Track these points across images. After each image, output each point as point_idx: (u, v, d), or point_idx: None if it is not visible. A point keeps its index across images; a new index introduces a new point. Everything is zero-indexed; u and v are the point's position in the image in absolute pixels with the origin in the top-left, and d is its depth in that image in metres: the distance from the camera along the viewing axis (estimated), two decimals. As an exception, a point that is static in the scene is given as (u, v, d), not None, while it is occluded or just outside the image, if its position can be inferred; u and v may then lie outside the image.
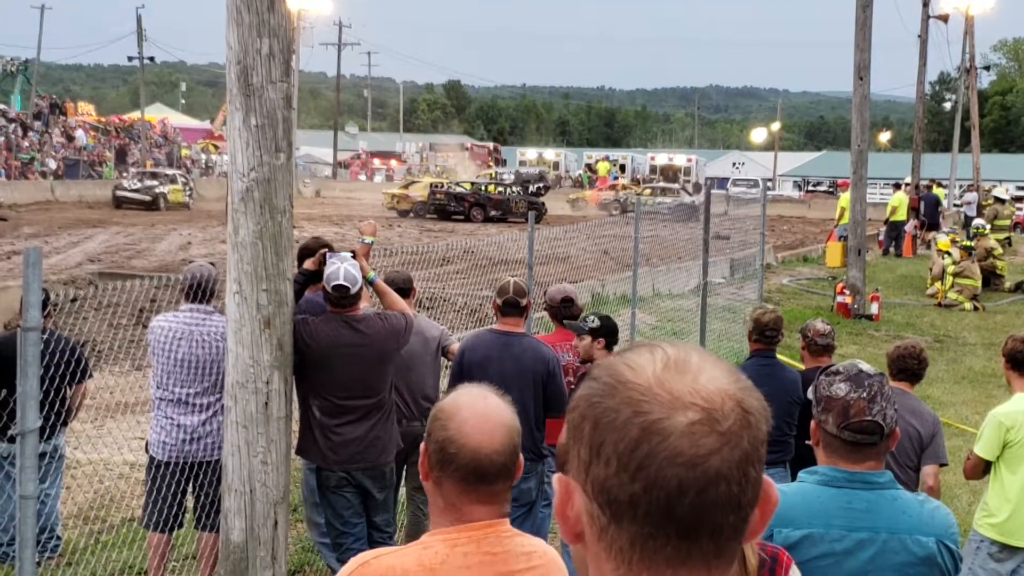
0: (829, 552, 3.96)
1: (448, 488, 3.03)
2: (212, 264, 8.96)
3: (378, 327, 7.82)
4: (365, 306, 8.19)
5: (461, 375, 8.23)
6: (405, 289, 9.20)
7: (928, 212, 41.85)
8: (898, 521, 3.99)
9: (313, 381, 7.68)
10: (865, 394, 3.97)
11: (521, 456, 3.13)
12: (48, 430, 8.31)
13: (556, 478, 1.64)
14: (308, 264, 8.00)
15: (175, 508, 8.39)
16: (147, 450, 8.53)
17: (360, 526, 7.99)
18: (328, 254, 7.79)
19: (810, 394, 4.15)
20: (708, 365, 1.57)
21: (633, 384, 1.54)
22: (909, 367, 7.76)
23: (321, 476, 7.91)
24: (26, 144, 67.26)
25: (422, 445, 3.09)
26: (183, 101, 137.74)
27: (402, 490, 9.23)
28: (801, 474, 4.18)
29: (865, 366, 4.10)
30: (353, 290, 7.72)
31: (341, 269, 7.68)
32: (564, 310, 9.20)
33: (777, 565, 3.38)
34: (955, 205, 52.89)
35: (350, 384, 7.70)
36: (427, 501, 3.15)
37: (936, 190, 45.89)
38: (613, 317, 9.24)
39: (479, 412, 3.04)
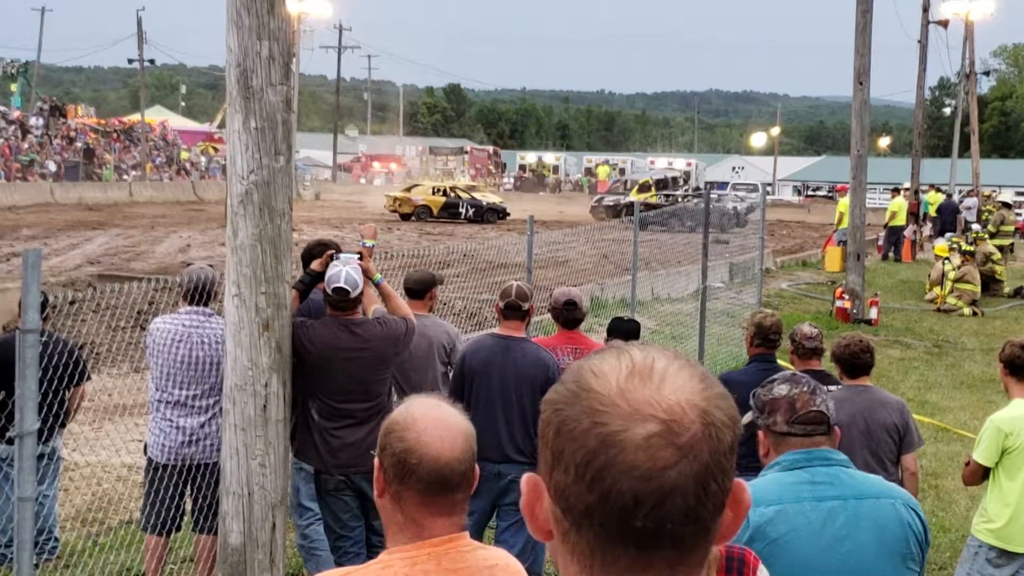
0: (804, 524, 4.08)
1: (408, 502, 2.97)
2: (211, 266, 8.96)
3: (376, 332, 7.81)
4: (377, 307, 8.19)
5: (462, 379, 8.24)
6: (417, 291, 9.18)
7: (948, 218, 42.28)
8: (862, 488, 4.16)
9: (311, 384, 7.66)
10: (806, 388, 4.20)
11: (477, 467, 3.09)
12: (46, 432, 8.29)
13: (525, 477, 1.63)
14: (315, 265, 8.01)
15: (173, 511, 8.38)
16: (146, 452, 8.52)
17: (359, 530, 7.99)
18: (333, 256, 7.80)
19: (749, 415, 4.22)
20: (674, 372, 1.55)
21: (595, 392, 1.52)
22: (864, 361, 7.77)
23: (320, 480, 7.91)
24: (26, 146, 67.32)
25: (376, 460, 3.03)
26: (183, 103, 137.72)
27: None
28: (763, 471, 4.28)
29: (797, 373, 4.29)
30: (353, 294, 7.71)
31: (343, 272, 7.68)
32: (567, 313, 9.22)
33: (744, 566, 3.39)
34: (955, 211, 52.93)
35: (348, 388, 7.70)
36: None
37: (934, 196, 45.97)
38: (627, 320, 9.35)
39: (437, 420, 3.00)
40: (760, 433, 4.20)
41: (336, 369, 7.62)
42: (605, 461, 1.48)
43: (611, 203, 58.76)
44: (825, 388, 4.24)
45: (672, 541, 1.50)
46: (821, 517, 4.04)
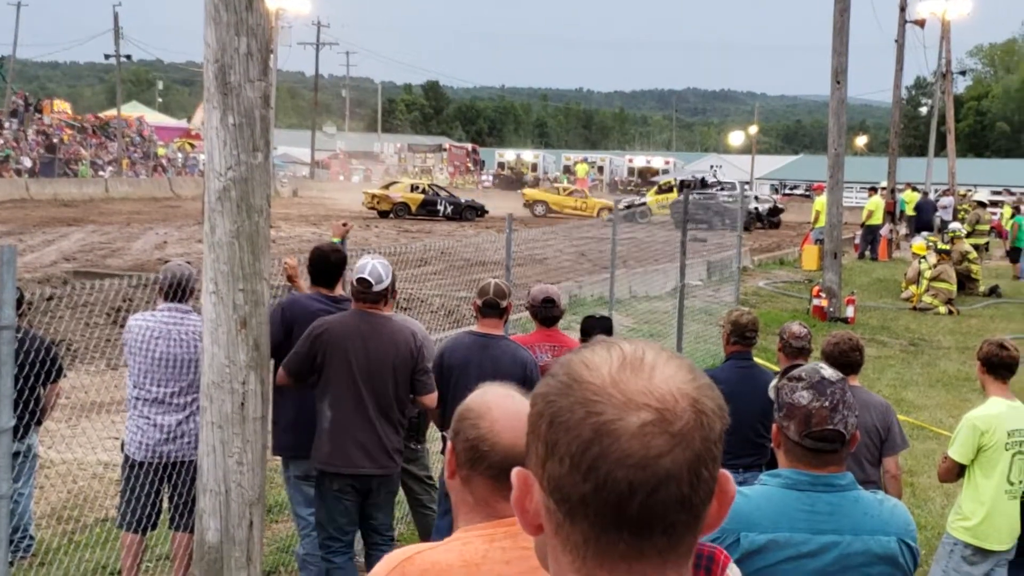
0: (794, 555, 4.01)
1: (479, 485, 3.04)
2: (189, 263, 8.94)
3: (393, 337, 7.87)
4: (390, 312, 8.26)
5: (440, 378, 8.22)
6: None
7: (926, 217, 42.66)
8: (861, 523, 4.04)
9: (327, 382, 7.74)
10: (827, 403, 4.00)
11: None
12: (22, 429, 8.26)
13: (515, 472, 1.65)
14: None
15: (150, 508, 8.35)
16: (123, 449, 8.49)
17: (352, 534, 8.01)
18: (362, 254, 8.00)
19: (771, 394, 4.17)
20: (663, 363, 1.58)
21: (588, 384, 1.54)
22: (853, 360, 7.78)
23: (325, 480, 7.91)
24: (1, 141, 66.99)
25: (448, 443, 3.12)
26: (160, 99, 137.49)
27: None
28: (763, 476, 4.22)
29: (828, 371, 4.12)
30: (375, 287, 7.77)
31: (369, 264, 7.84)
32: (545, 311, 9.22)
33: (713, 564, 3.39)
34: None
35: (362, 388, 7.73)
36: (436, 498, 3.14)
37: (911, 194, 46.16)
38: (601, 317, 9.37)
39: (509, 410, 3.06)
40: (774, 425, 4.16)
41: (352, 369, 7.72)
42: (600, 450, 1.50)
43: (624, 205, 58.62)
44: (851, 399, 4.07)
45: (665, 529, 1.52)
46: (813, 550, 4.00)
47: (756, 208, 58.20)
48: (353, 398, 7.73)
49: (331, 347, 7.75)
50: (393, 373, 7.83)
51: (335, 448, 7.76)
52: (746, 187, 62.45)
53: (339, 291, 8.88)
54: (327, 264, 8.67)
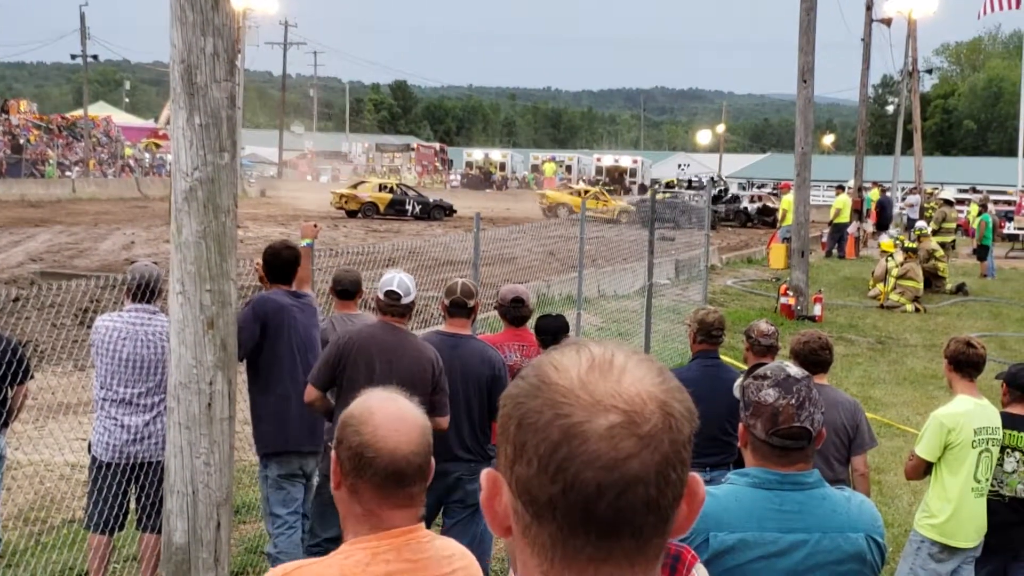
0: (764, 555, 4.01)
1: (365, 494, 2.99)
2: (156, 264, 8.91)
3: (418, 355, 7.85)
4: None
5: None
6: (352, 291, 9.21)
7: (886, 213, 43.03)
8: (829, 520, 4.04)
9: (347, 393, 7.72)
10: (794, 400, 4.00)
11: (433, 459, 3.10)
12: (-12, 431, 8.23)
13: (484, 473, 1.64)
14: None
15: (117, 509, 8.33)
16: (90, 451, 8.46)
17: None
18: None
19: (736, 393, 4.18)
20: (632, 365, 1.58)
21: (556, 386, 1.54)
22: (822, 359, 7.74)
23: (323, 490, 7.91)
24: (-33, 142, 66.63)
25: (332, 453, 3.05)
26: (127, 100, 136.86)
27: None
28: (731, 476, 4.22)
29: (793, 369, 4.12)
30: (404, 299, 7.80)
31: (396, 278, 7.84)
32: (514, 310, 9.23)
33: (679, 563, 3.40)
34: (900, 208, 53.44)
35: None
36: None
37: (876, 192, 46.41)
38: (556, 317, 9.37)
39: (393, 414, 3.02)
40: (741, 425, 4.16)
41: (377, 378, 7.69)
42: (568, 452, 1.50)
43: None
44: (816, 396, 4.07)
45: (633, 531, 1.52)
46: (781, 549, 4.00)
47: (745, 208, 58.68)
48: None
49: (355, 357, 7.74)
50: (413, 390, 7.80)
51: None
52: (742, 186, 62.88)
53: (306, 288, 8.95)
54: (280, 260, 8.77)
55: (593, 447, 1.49)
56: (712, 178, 63.58)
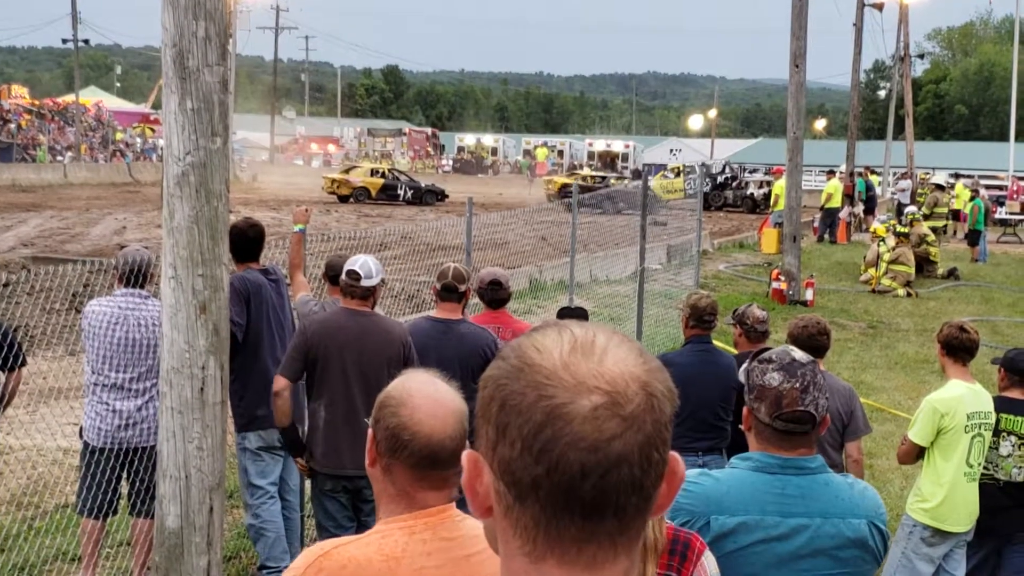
0: (765, 538, 4.00)
1: (400, 474, 3.00)
2: (147, 248, 8.90)
3: (386, 336, 7.83)
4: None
5: (400, 363, 8.22)
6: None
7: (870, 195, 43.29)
8: (831, 505, 4.04)
9: (320, 382, 7.74)
10: (798, 384, 3.99)
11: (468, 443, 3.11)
12: (-19, 416, 8.22)
13: (465, 454, 1.64)
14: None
15: (110, 494, 8.33)
16: (81, 436, 8.45)
17: (352, 529, 7.99)
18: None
19: (742, 377, 4.17)
20: (614, 346, 1.58)
21: (539, 367, 1.55)
22: (820, 344, 7.73)
23: (318, 479, 7.91)
24: (-42, 127, 66.44)
25: (369, 432, 3.05)
26: (118, 84, 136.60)
27: None
28: (734, 460, 4.21)
29: (798, 354, 4.11)
30: (364, 281, 7.75)
31: (361, 259, 7.82)
32: (492, 293, 9.23)
33: (689, 550, 3.40)
34: (891, 193, 53.50)
35: (354, 387, 7.70)
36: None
37: (871, 177, 46.47)
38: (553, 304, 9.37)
39: (430, 398, 3.02)
40: (745, 408, 4.15)
41: (343, 366, 7.69)
42: (552, 433, 1.50)
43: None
44: (821, 380, 4.05)
45: (616, 512, 1.52)
46: (783, 533, 3.99)
47: (752, 194, 58.37)
48: (346, 398, 7.70)
49: (324, 346, 7.72)
50: (388, 371, 7.80)
51: (328, 449, 7.75)
52: (752, 172, 62.53)
53: (297, 274, 9.01)
54: (246, 240, 8.81)
55: (577, 428, 1.49)
56: (724, 165, 63.44)
